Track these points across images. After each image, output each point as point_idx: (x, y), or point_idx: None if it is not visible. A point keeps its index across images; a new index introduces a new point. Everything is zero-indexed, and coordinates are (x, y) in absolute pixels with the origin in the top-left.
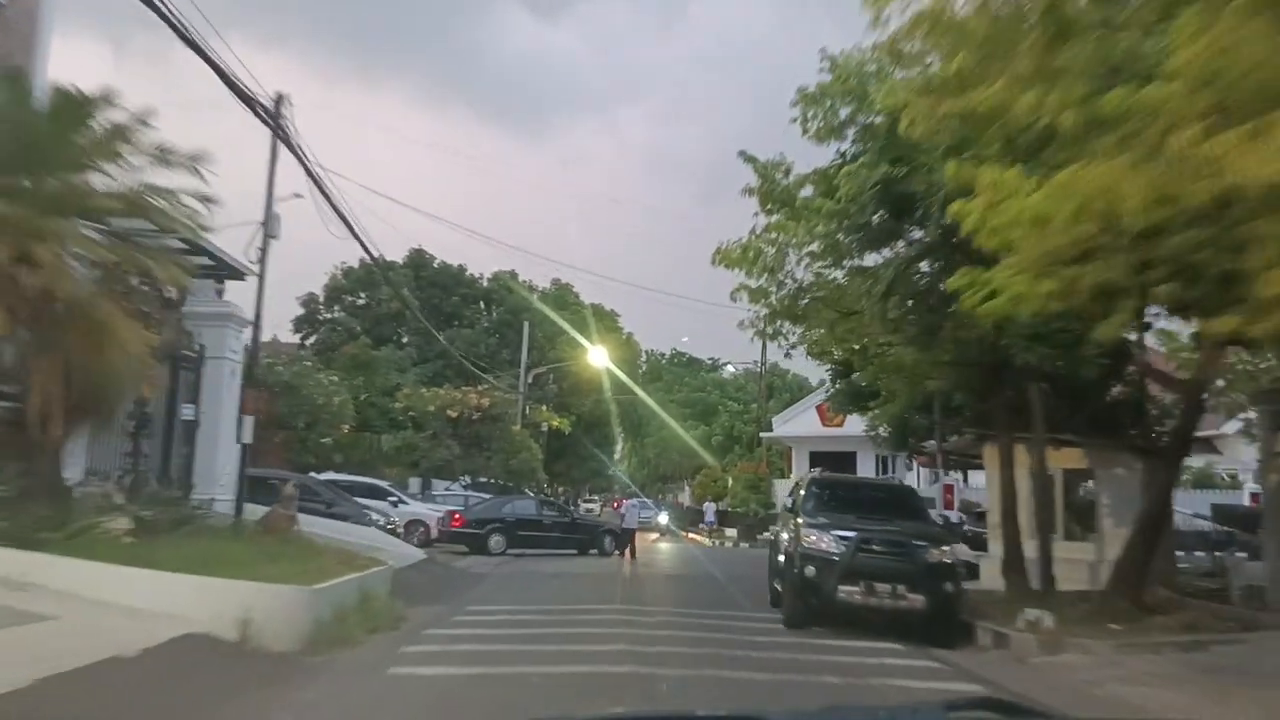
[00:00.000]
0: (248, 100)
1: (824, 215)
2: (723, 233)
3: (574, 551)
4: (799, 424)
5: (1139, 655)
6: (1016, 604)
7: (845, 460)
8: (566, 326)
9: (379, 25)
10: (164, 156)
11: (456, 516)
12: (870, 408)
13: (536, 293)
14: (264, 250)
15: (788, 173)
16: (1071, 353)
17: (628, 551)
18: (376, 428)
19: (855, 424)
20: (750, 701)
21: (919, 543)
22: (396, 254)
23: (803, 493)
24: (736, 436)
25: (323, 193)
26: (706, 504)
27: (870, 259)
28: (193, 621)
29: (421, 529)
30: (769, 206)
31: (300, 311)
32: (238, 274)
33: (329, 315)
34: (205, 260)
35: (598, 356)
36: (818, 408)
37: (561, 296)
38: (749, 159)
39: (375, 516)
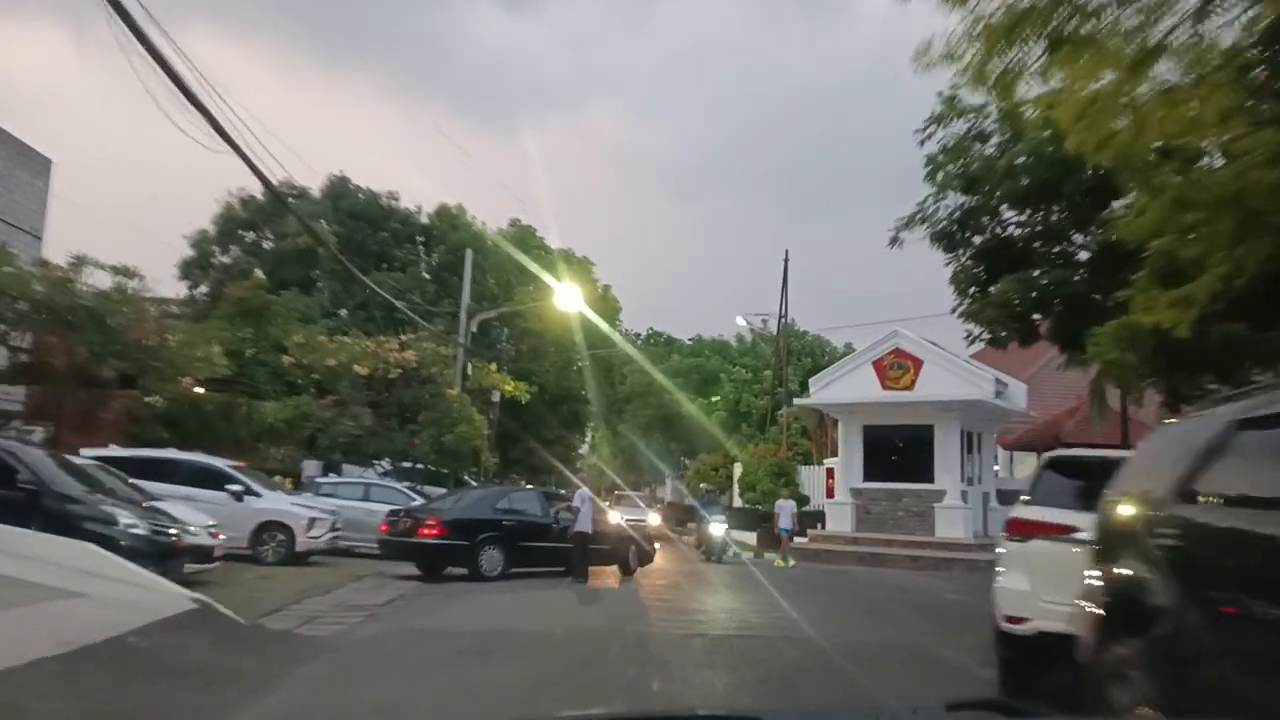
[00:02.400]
0: None
1: None
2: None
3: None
4: (847, 387)
5: None
6: None
7: (918, 436)
8: (524, 259)
9: (345, 17)
10: None
11: (432, 521)
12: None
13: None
14: None
15: None
16: None
17: (586, 568)
18: (267, 392)
19: (933, 385)
20: None
21: None
22: (314, 181)
23: None
24: (744, 411)
25: None
26: (781, 503)
27: None
28: None
29: (280, 537)
30: None
31: (190, 254)
32: None
33: (223, 259)
34: None
35: (566, 297)
36: (874, 364)
37: (523, 240)
38: None
39: (127, 522)
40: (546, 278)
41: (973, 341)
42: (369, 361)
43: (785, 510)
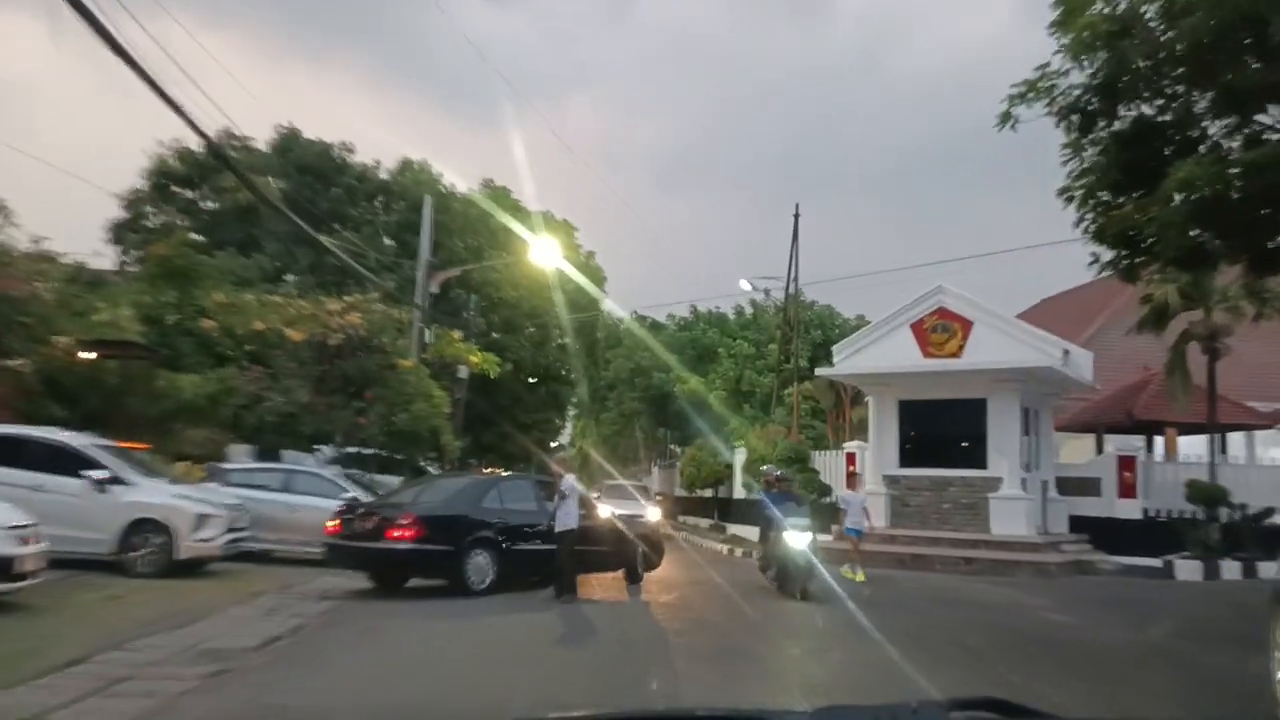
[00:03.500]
0: None
1: None
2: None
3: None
4: (879, 355)
5: None
6: None
7: (967, 412)
8: (494, 208)
9: (327, 6)
10: None
11: (405, 520)
12: None
13: (461, 191)
14: None
15: None
16: None
17: (574, 580)
18: (192, 365)
19: (986, 350)
20: None
21: None
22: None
23: None
24: (747, 390)
25: None
26: (848, 494)
27: None
28: None
29: (157, 540)
30: None
31: (123, 216)
32: None
33: (158, 219)
34: None
35: (543, 254)
36: (913, 327)
37: (497, 200)
38: None
39: None
40: (520, 230)
41: (1102, 269)
42: (306, 325)
43: (853, 504)
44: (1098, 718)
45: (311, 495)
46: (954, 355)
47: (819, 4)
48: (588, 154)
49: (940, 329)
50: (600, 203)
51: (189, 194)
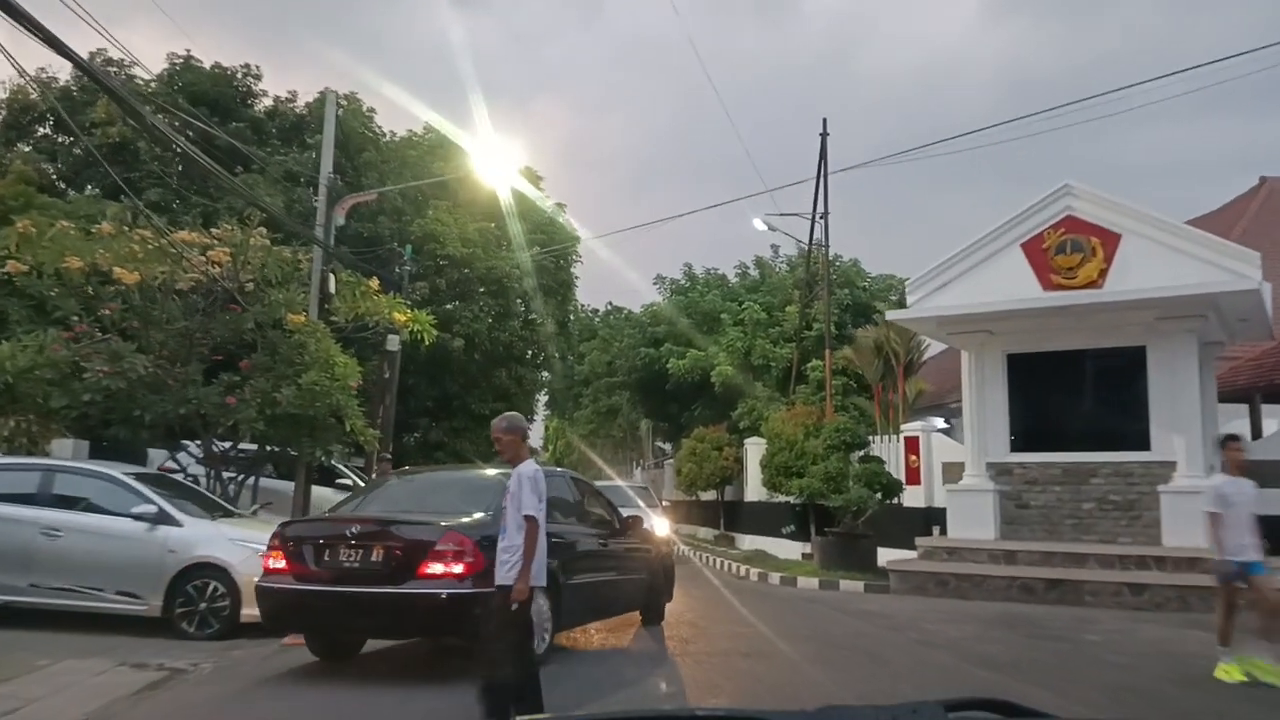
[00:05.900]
0: None
1: None
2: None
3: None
4: (976, 288)
5: None
6: None
7: (1114, 368)
8: (443, 127)
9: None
10: None
11: (451, 546)
12: None
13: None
14: None
15: None
16: None
17: (536, 684)
18: (22, 333)
19: (1142, 273)
20: None
21: None
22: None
23: None
24: (759, 364)
25: None
26: (1223, 481)
27: None
28: None
29: None
30: None
31: None
32: None
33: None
34: None
35: (490, 172)
36: (1026, 246)
37: (446, 145)
38: None
39: None
40: (467, 147)
41: None
42: (150, 265)
43: (1240, 503)
44: (1098, 717)
45: (89, 511)
46: (1092, 284)
47: (786, 6)
48: (564, 153)
49: (1070, 247)
50: (595, 201)
51: (61, 140)
